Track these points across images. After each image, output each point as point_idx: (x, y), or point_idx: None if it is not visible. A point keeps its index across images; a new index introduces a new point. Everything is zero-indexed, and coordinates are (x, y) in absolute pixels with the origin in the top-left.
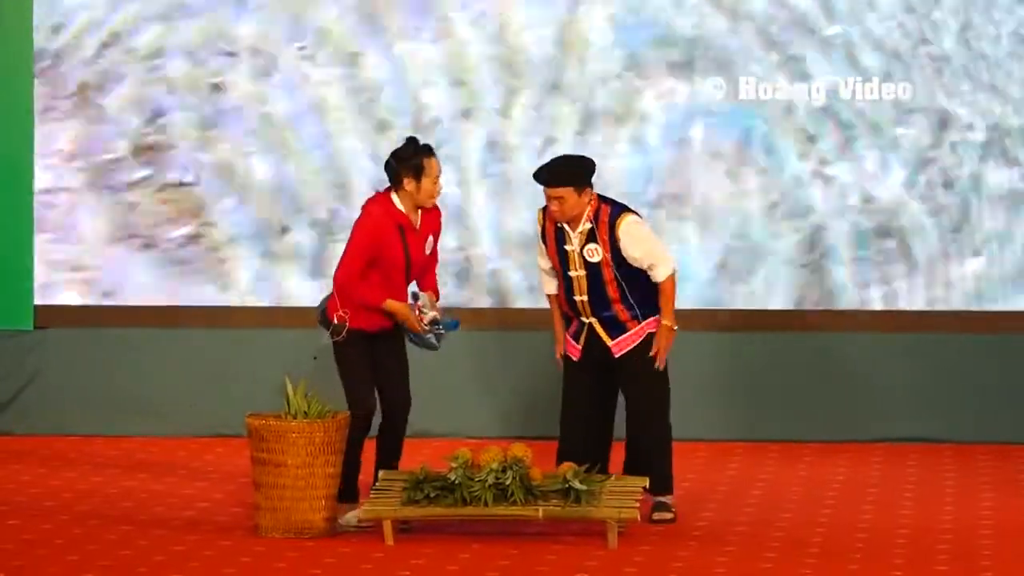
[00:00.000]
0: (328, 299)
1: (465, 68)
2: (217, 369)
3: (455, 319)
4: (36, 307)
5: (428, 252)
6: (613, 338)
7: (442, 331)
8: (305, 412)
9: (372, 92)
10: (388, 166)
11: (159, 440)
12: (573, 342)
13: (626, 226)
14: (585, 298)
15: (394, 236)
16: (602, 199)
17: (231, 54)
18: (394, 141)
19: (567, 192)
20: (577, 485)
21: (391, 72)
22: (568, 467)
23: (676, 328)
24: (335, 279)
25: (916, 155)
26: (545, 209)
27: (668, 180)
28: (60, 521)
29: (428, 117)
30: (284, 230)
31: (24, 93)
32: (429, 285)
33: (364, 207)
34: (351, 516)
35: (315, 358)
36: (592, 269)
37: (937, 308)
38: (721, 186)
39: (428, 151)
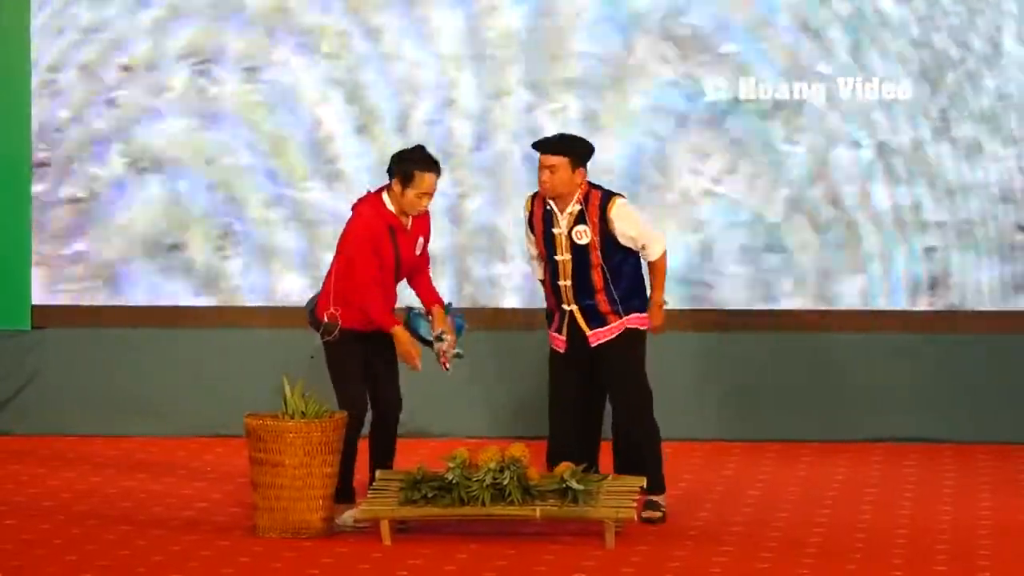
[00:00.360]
0: (317, 299)
1: (360, 84)
2: (215, 369)
3: (460, 315)
4: (33, 307)
5: (419, 253)
6: (591, 328)
7: (461, 358)
8: (303, 412)
9: (269, 107)
10: (390, 161)
11: (157, 440)
12: (556, 335)
13: (618, 208)
14: (569, 283)
15: (384, 237)
16: (592, 184)
17: (127, 68)
18: (288, 156)
19: (561, 163)
20: (574, 485)
21: (286, 87)
22: (565, 467)
23: (666, 304)
24: (354, 294)
25: (804, 172)
26: (534, 196)
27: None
28: (59, 521)
29: (322, 133)
30: (175, 246)
31: (21, 96)
32: (429, 294)
33: (355, 207)
34: (348, 516)
35: (312, 357)
36: (579, 253)
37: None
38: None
39: (427, 165)
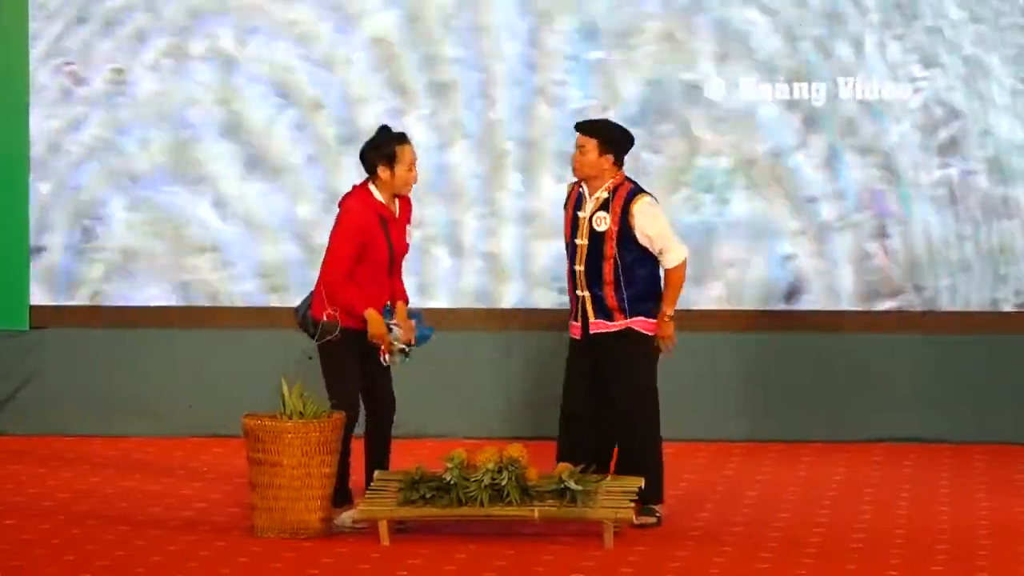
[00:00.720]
0: (311, 301)
1: (233, 87)
2: (213, 369)
3: (429, 327)
4: (32, 307)
5: (409, 241)
6: (596, 316)
7: (407, 357)
8: (301, 412)
9: (137, 109)
10: (362, 156)
11: (156, 440)
12: (573, 322)
13: (642, 205)
14: (582, 268)
15: (377, 228)
16: (628, 179)
17: None
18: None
19: (590, 144)
20: (573, 485)
21: (154, 89)
22: (564, 467)
23: (672, 317)
24: (324, 280)
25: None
26: (577, 182)
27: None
28: (58, 521)
29: (189, 134)
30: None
31: (19, 95)
32: (397, 289)
33: (342, 203)
34: (346, 517)
35: (310, 358)
36: (595, 239)
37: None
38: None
39: (401, 138)
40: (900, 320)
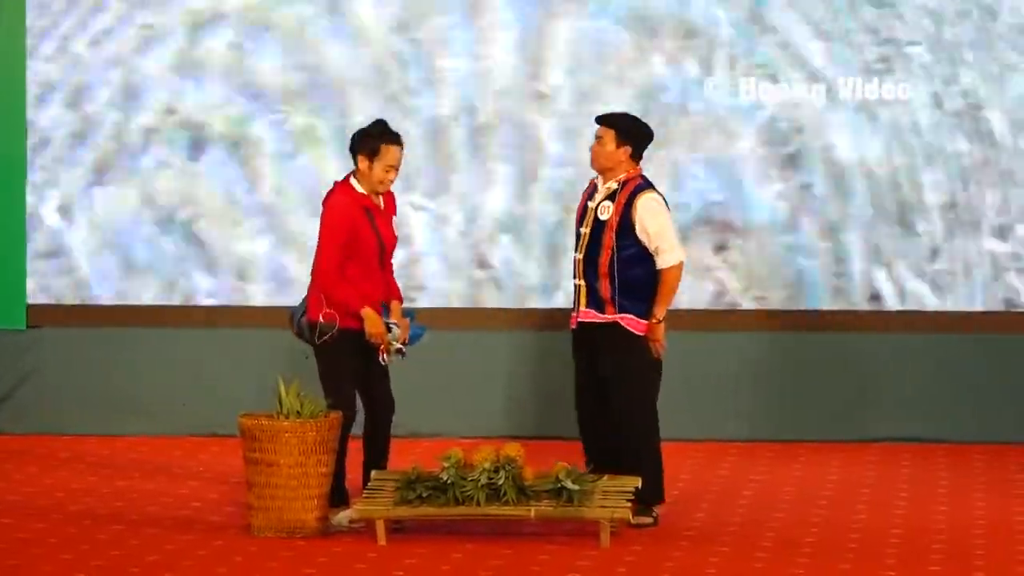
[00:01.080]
0: (306, 302)
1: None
2: (210, 369)
3: (421, 326)
4: (29, 306)
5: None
6: (587, 306)
7: (401, 357)
8: (298, 412)
9: None
10: (351, 141)
11: (152, 439)
12: (573, 312)
13: (646, 200)
14: (582, 256)
15: (363, 220)
16: (643, 176)
17: None
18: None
19: (608, 134)
20: (569, 485)
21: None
22: (560, 467)
23: (663, 321)
24: (317, 279)
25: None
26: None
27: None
28: (54, 520)
29: (38, 138)
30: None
31: (17, 93)
32: (390, 287)
33: (326, 200)
34: (342, 516)
35: (307, 357)
36: (597, 227)
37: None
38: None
39: (391, 138)
40: (897, 320)
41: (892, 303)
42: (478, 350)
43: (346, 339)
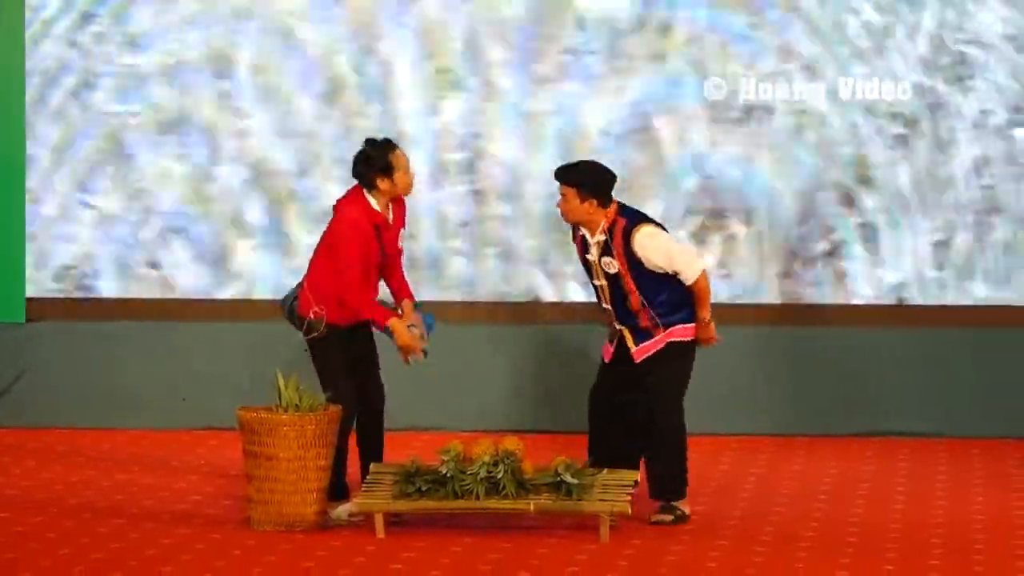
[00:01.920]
0: (297, 297)
1: None
2: (208, 362)
3: (429, 314)
4: (28, 300)
5: (402, 244)
6: (637, 343)
7: (425, 356)
8: (296, 405)
9: None
10: (357, 173)
11: (150, 433)
12: (608, 344)
13: (641, 238)
14: (610, 306)
15: (371, 236)
16: (621, 211)
17: None
18: None
19: (568, 192)
20: (569, 479)
21: None
22: (560, 460)
23: (709, 321)
24: (343, 294)
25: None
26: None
27: None
28: (52, 514)
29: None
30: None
31: (16, 91)
32: (400, 287)
33: (341, 209)
34: (342, 510)
35: (306, 351)
36: (612, 280)
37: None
38: None
39: (391, 146)
40: (897, 314)
41: (890, 298)
42: (478, 343)
43: (335, 333)
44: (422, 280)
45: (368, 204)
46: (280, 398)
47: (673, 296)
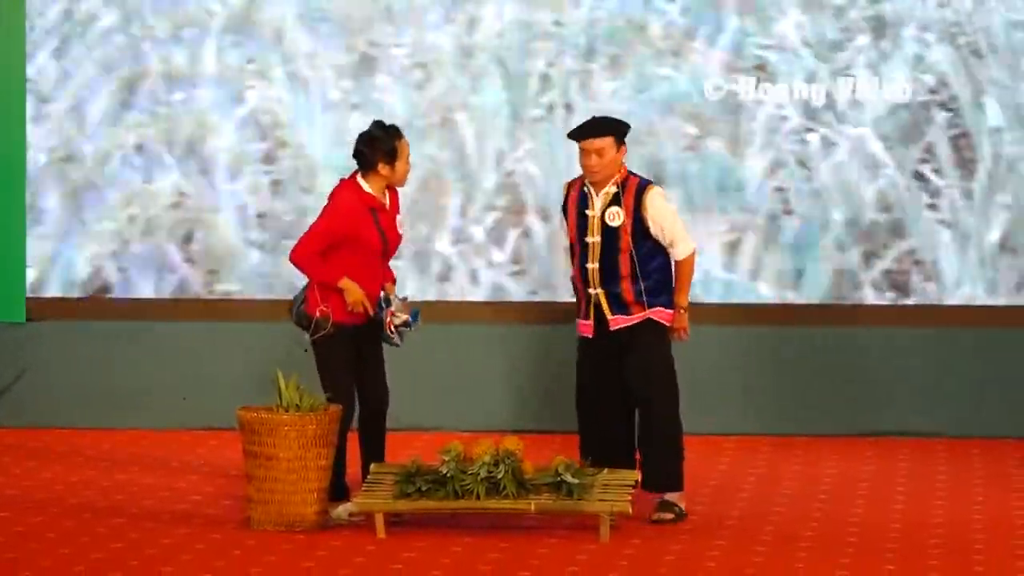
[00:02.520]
0: (304, 296)
1: None
2: (209, 362)
3: (414, 309)
4: (28, 299)
5: (400, 232)
6: (613, 313)
7: (408, 329)
8: (297, 405)
9: None
10: (359, 153)
11: (151, 433)
12: (583, 321)
13: (653, 196)
14: (596, 266)
15: (367, 219)
16: (630, 172)
17: None
18: None
19: (607, 143)
20: (569, 479)
21: None
22: (560, 460)
23: (686, 309)
24: (292, 256)
25: None
26: (571, 182)
27: None
28: (52, 514)
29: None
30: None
31: (16, 87)
32: (384, 271)
33: (333, 194)
34: (342, 510)
35: (306, 350)
36: (609, 235)
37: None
38: None
39: (399, 133)
40: (894, 314)
41: (878, 297)
42: (478, 343)
43: (341, 333)
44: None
45: (362, 189)
46: (280, 398)
47: (657, 276)
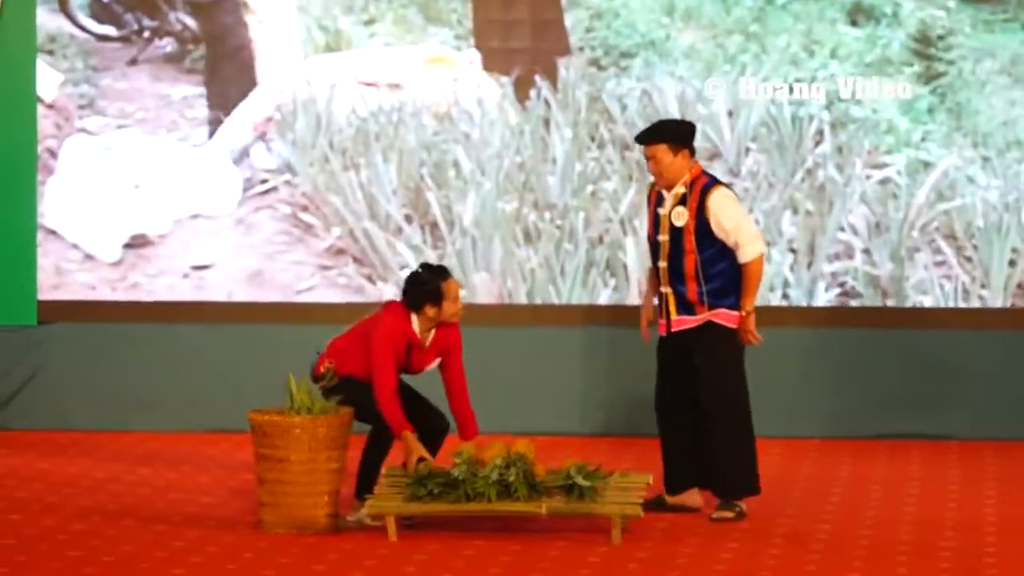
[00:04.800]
0: (317, 361)
1: None
2: (220, 364)
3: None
4: (40, 302)
5: (434, 366)
6: (679, 313)
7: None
8: (308, 408)
9: None
10: (407, 293)
11: (162, 435)
12: (661, 320)
13: (717, 196)
14: (666, 264)
15: (402, 348)
16: (705, 172)
17: None
18: None
19: (660, 150)
20: (580, 481)
21: None
22: (572, 463)
23: (751, 312)
24: (379, 396)
25: None
26: (653, 183)
27: None
28: (63, 516)
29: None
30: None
31: (27, 88)
32: (464, 420)
33: (383, 318)
34: (364, 513)
35: (317, 353)
36: (675, 234)
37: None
38: None
39: (444, 274)
40: (905, 316)
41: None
42: (495, 346)
43: (352, 382)
44: None
45: (410, 325)
46: (292, 401)
47: (728, 274)
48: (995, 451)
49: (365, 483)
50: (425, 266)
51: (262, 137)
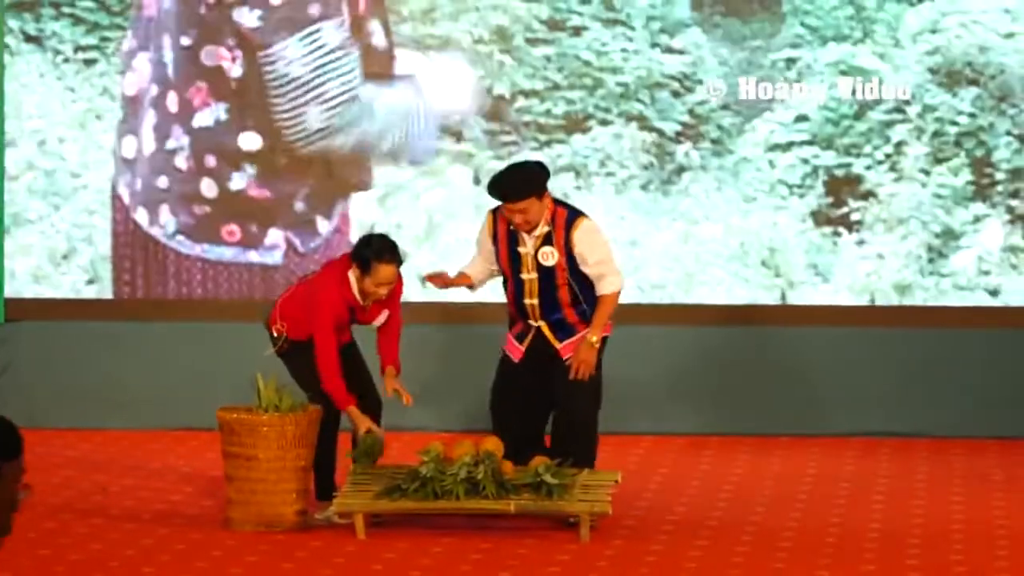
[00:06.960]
0: (271, 312)
1: None
2: (189, 363)
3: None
4: (7, 300)
5: (383, 319)
6: (561, 340)
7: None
8: (276, 406)
9: None
10: (355, 246)
11: (130, 433)
12: (516, 343)
13: (581, 232)
14: (536, 302)
15: (343, 313)
16: (556, 202)
17: None
18: None
19: (530, 204)
20: (549, 479)
21: None
22: (540, 461)
23: (595, 344)
24: (320, 365)
25: None
26: (496, 211)
27: None
28: (32, 515)
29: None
30: None
31: None
32: (388, 353)
33: (324, 275)
34: (331, 511)
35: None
36: (545, 272)
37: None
38: None
39: (384, 254)
40: (872, 314)
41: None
42: (458, 344)
43: (302, 347)
44: None
45: (349, 287)
46: (260, 399)
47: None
48: (962, 449)
49: (323, 484)
50: (383, 237)
51: None
